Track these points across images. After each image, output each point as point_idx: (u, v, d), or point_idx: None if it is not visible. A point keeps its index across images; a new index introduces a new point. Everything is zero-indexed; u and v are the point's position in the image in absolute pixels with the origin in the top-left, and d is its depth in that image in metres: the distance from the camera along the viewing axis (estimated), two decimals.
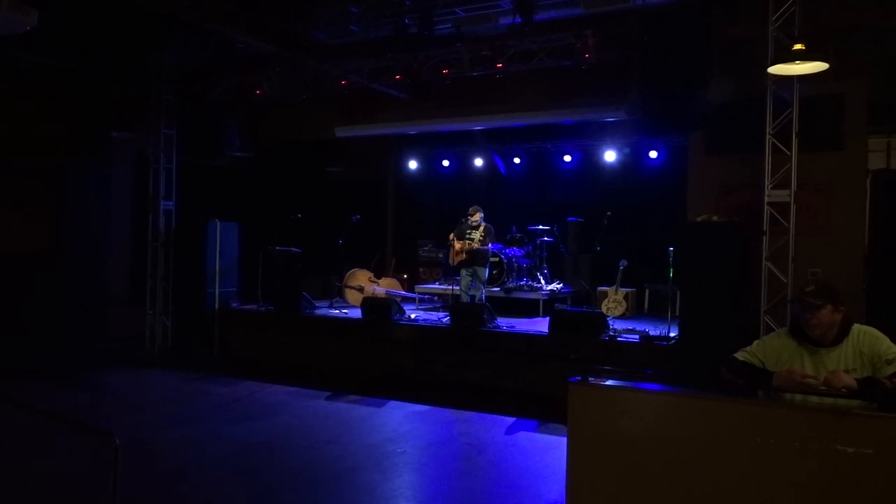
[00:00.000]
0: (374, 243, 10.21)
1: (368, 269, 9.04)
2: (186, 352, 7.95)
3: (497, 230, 7.98)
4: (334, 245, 8.39)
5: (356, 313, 7.63)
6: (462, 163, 10.56)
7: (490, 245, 7.56)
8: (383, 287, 8.93)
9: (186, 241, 8.19)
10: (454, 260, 7.71)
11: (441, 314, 7.60)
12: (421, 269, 9.96)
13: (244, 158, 9.00)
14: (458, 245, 7.63)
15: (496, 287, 8.50)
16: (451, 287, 7.84)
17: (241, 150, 8.85)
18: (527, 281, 8.66)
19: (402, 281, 9.57)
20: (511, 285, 8.47)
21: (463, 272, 7.68)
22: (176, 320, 8.27)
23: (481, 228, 7.63)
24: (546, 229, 9.06)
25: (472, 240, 7.54)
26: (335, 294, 8.94)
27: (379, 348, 6.95)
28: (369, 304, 7.36)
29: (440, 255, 9.75)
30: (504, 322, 6.98)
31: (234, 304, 8.17)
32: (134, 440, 4.81)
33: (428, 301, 9.07)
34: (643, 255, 8.18)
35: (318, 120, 8.75)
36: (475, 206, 7.71)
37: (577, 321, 6.21)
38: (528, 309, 8.10)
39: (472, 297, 7.68)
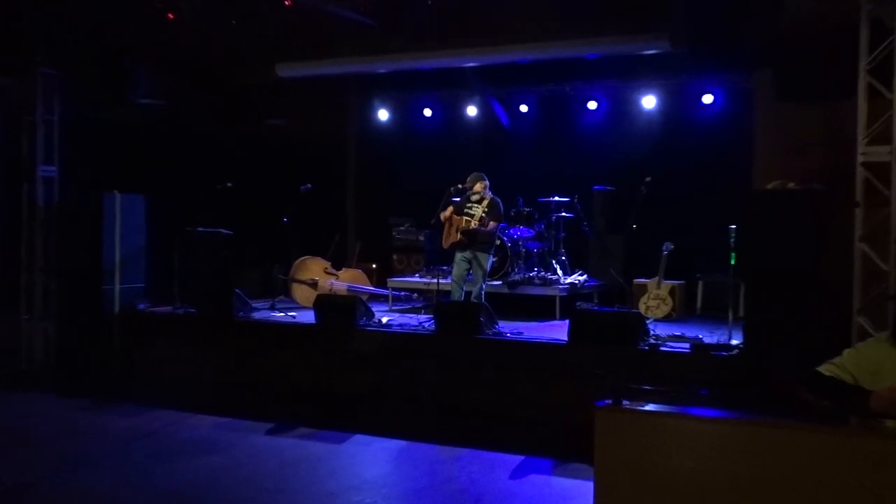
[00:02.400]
0: (332, 223, 10.29)
1: (324, 257, 9.15)
2: (76, 369, 7.87)
3: (502, 204, 8.08)
4: (278, 225, 8.46)
5: (308, 316, 7.68)
6: (450, 113, 10.60)
7: (497, 224, 7.72)
8: (344, 281, 9.05)
9: (75, 220, 8.09)
10: (446, 241, 7.85)
11: (423, 317, 7.70)
12: (395, 257, 10.04)
13: (153, 108, 8.96)
14: (453, 220, 7.74)
15: (497, 280, 8.61)
16: (436, 281, 7.91)
17: (148, 96, 8.82)
18: (538, 271, 8.78)
19: (369, 273, 9.73)
20: (517, 277, 8.58)
21: (458, 258, 7.80)
22: (62, 327, 8.17)
23: (486, 202, 7.74)
24: (564, 202, 9.13)
25: (473, 216, 7.67)
26: (279, 291, 9.07)
27: (339, 363, 7.00)
28: (325, 304, 7.43)
29: (420, 238, 9.92)
30: (508, 327, 7.05)
31: (142, 306, 8.19)
32: (6, 491, 4.76)
33: (405, 300, 9.19)
34: (694, 236, 8.29)
35: (254, 55, 8.77)
36: (477, 174, 7.83)
37: (606, 325, 6.26)
38: (541, 309, 8.22)
39: (467, 293, 7.81)
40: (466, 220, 7.67)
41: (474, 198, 7.78)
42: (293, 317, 7.88)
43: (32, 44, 8.08)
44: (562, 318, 7.74)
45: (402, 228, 10.15)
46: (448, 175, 8.12)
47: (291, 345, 7.28)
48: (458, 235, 7.67)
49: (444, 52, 8.32)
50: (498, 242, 8.55)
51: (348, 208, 11.03)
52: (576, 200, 9.19)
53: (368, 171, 11.13)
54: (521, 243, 8.92)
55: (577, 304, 7.95)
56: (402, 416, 6.54)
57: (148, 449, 5.90)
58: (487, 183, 7.84)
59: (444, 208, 7.74)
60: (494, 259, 8.48)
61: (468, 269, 7.79)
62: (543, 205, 9.20)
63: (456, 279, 7.84)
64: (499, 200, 7.82)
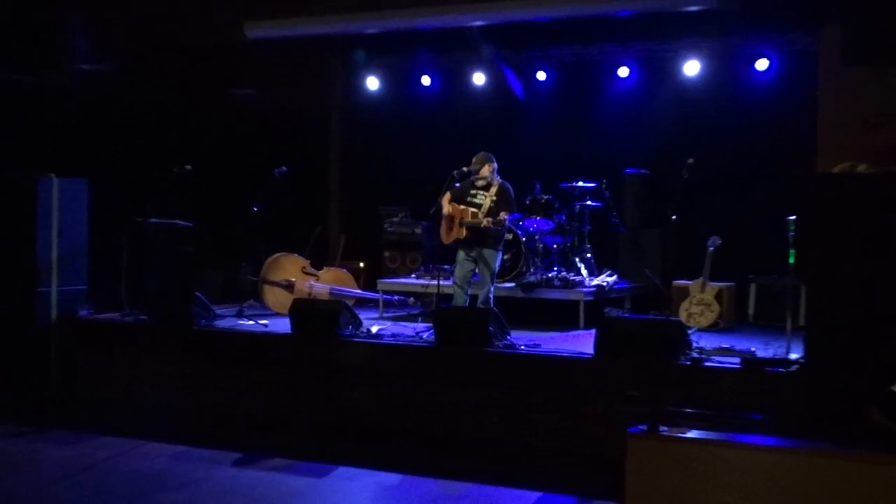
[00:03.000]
0: (311, 213, 10.33)
1: (301, 254, 9.23)
2: (2, 388, 7.81)
3: (515, 191, 8.13)
4: (247, 216, 8.51)
5: (282, 325, 7.75)
6: (453, 83, 10.65)
7: (508, 215, 7.76)
8: (326, 283, 9.14)
9: (1, 210, 8.06)
10: (448, 237, 7.88)
11: (420, 326, 7.73)
12: (387, 255, 10.13)
13: (96, 74, 8.97)
14: (455, 211, 7.79)
15: (509, 282, 8.68)
16: (435, 283, 7.97)
17: (91, 60, 8.84)
18: (559, 271, 8.83)
19: (356, 273, 9.80)
20: (533, 278, 8.61)
21: (461, 256, 7.86)
22: None
23: (494, 188, 7.81)
24: (589, 188, 9.24)
25: (480, 207, 7.75)
26: (248, 295, 9.13)
27: (319, 382, 7.04)
28: (303, 310, 7.48)
29: (417, 232, 10.03)
30: (523, 338, 7.11)
31: (84, 312, 8.17)
32: None
33: (399, 305, 9.24)
34: (746, 230, 8.40)
35: (219, 11, 8.80)
36: (483, 155, 7.88)
37: (639, 336, 6.28)
38: (562, 316, 8.31)
39: (473, 297, 7.90)
40: (472, 210, 7.73)
41: (480, 183, 7.84)
42: (265, 325, 7.94)
43: None
44: (587, 328, 7.81)
45: (394, 220, 10.15)
46: (450, 156, 8.17)
47: (263, 359, 7.31)
48: (462, 230, 7.73)
49: (446, 9, 8.37)
50: (510, 237, 8.57)
51: (331, 196, 11.06)
52: (604, 186, 9.21)
53: (355, 151, 11.15)
54: (537, 238, 8.95)
55: (606, 310, 8.00)
56: (394, 444, 6.58)
57: (87, 485, 5.75)
58: (496, 166, 7.88)
59: (455, 197, 7.83)
60: (506, 257, 8.49)
61: (474, 269, 7.82)
62: (565, 192, 9.24)
63: (459, 281, 7.87)
64: (509, 186, 7.86)
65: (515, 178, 8.29)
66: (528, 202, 9.08)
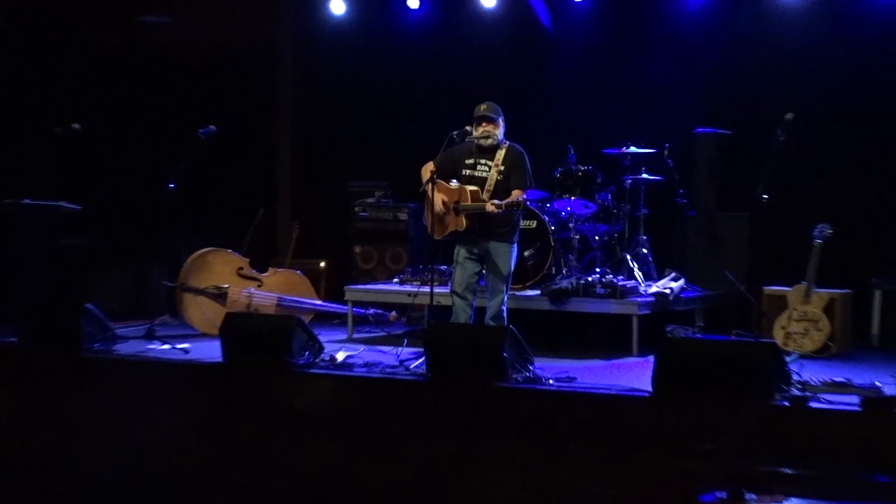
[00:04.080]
0: (252, 192, 10.65)
1: (238, 250, 9.41)
2: None
3: (535, 159, 8.10)
4: (159, 194, 8.54)
5: (209, 349, 7.90)
6: (453, 6, 10.79)
7: (524, 194, 7.82)
8: (271, 291, 9.30)
9: None
10: (438, 229, 7.96)
11: (406, 351, 7.79)
12: (358, 250, 10.23)
13: None
14: (447, 194, 7.88)
15: (532, 288, 8.86)
16: (427, 290, 8.02)
17: None
18: (602, 273, 8.89)
19: (315, 276, 10.01)
20: (566, 284, 8.65)
21: (461, 255, 7.94)
22: None
23: (502, 154, 7.90)
24: (646, 155, 9.37)
25: (484, 183, 7.82)
26: (162, 307, 9.38)
27: (261, 430, 7.02)
28: (239, 329, 7.58)
29: (402, 217, 10.19)
30: (551, 368, 7.22)
31: None
32: None
33: (375, 322, 9.43)
34: (866, 216, 8.69)
35: None
36: (489, 106, 7.94)
37: (717, 366, 6.27)
38: (606, 337, 8.53)
39: (480, 311, 7.98)
40: (471, 189, 7.78)
41: (484, 145, 7.87)
42: (184, 351, 8.02)
43: None
44: (642, 354, 7.93)
45: (370, 202, 10.20)
46: (448, 113, 8.46)
47: (181, 398, 7.32)
48: (460, 218, 7.77)
49: None
50: (531, 224, 8.75)
51: (280, 168, 11.22)
52: (666, 153, 9.26)
53: (314, 105, 11.30)
54: (572, 226, 8.97)
55: (669, 328, 8.09)
56: None
57: None
58: (502, 124, 7.92)
59: (443, 168, 7.93)
60: (526, 253, 8.62)
61: (479, 272, 7.89)
62: (611, 160, 9.31)
63: (460, 288, 7.91)
64: (522, 151, 7.95)
65: (540, 141, 8.47)
66: (558, 175, 9.11)
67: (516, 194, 7.64)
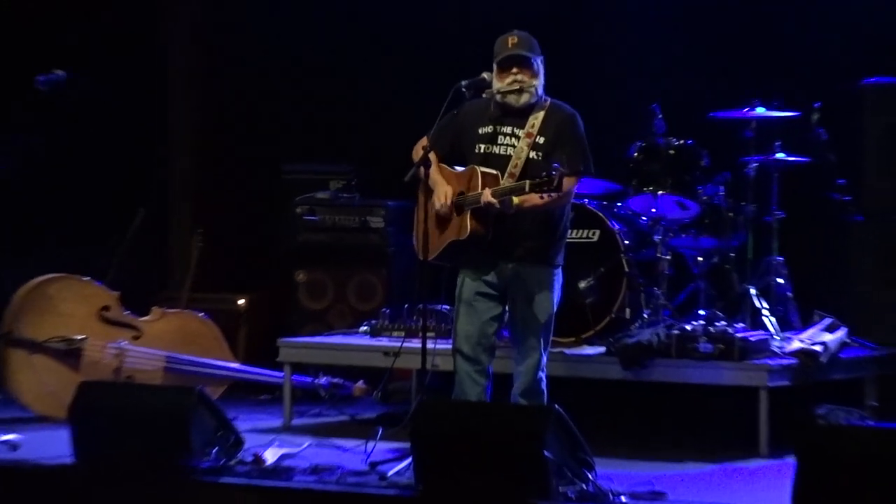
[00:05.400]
0: (127, 181, 11.38)
1: (103, 279, 9.72)
2: None
3: (597, 129, 8.09)
4: None
5: (51, 442, 7.93)
6: None
7: (574, 183, 7.80)
8: (156, 346, 9.50)
9: None
10: (434, 241, 7.89)
11: (382, 450, 7.90)
12: (302, 279, 10.61)
13: None
14: (452, 181, 7.91)
15: (592, 344, 9.02)
16: (413, 344, 8.03)
17: None
18: (708, 319, 8.99)
19: (230, 320, 10.52)
20: (647, 336, 8.67)
21: (467, 286, 7.91)
22: None
23: (539, 117, 7.86)
24: (780, 119, 9.46)
25: (507, 163, 7.75)
26: None
27: None
28: (102, 409, 7.62)
29: (375, 225, 10.63)
30: (622, 476, 7.26)
31: None
32: None
33: (329, 398, 9.69)
34: None
35: None
36: (519, 40, 7.89)
37: None
38: (715, 423, 9.01)
39: (501, 380, 7.91)
40: (489, 172, 7.63)
41: (514, 100, 7.66)
42: (11, 447, 7.95)
43: None
44: (775, 453, 7.96)
45: (322, 197, 10.56)
46: (452, 55, 9.30)
47: None
48: (465, 218, 7.61)
49: None
50: (592, 237, 9.04)
51: (175, 144, 11.83)
52: (815, 118, 9.22)
53: (223, 40, 12.08)
54: (658, 238, 9.19)
55: (821, 410, 8.08)
56: None
57: None
58: (543, 74, 7.78)
59: (443, 142, 7.89)
60: (589, 286, 8.86)
61: (500, 317, 7.79)
62: (723, 130, 9.47)
63: (467, 344, 7.75)
64: (574, 114, 7.86)
65: (604, 101, 9.19)
66: (635, 155, 9.23)
67: (566, 185, 7.31)
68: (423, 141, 7.85)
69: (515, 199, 7.37)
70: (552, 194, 7.26)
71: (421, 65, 9.60)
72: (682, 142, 9.27)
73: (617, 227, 9.05)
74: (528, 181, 7.30)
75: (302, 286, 10.46)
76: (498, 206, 7.44)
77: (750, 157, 9.36)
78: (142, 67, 11.81)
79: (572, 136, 7.71)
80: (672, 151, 9.22)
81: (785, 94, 9.38)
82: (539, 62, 7.75)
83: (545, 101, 7.80)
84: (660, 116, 9.27)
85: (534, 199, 7.36)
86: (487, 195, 7.40)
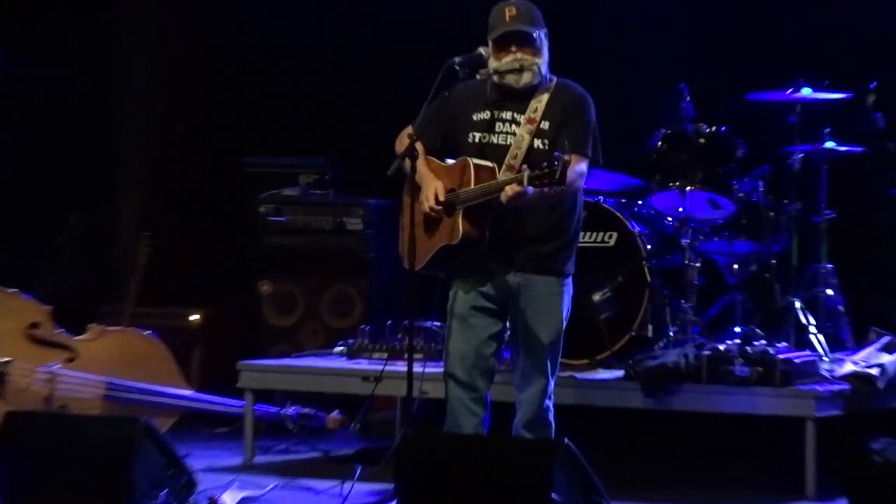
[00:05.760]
0: (63, 175, 11.42)
1: (33, 291, 9.76)
2: None
3: (611, 115, 8.12)
4: None
5: None
6: None
7: (577, 173, 7.51)
8: (94, 370, 9.40)
9: None
10: (421, 247, 7.78)
11: (362, 492, 8.12)
12: (267, 290, 10.62)
13: None
14: (444, 176, 7.80)
15: (609, 367, 9.00)
16: (398, 367, 8.15)
17: None
18: (745, 337, 8.97)
19: (183, 339, 10.50)
20: (674, 357, 8.62)
21: (460, 300, 7.76)
22: None
23: (544, 100, 7.75)
24: (830, 101, 9.48)
25: (506, 153, 7.63)
26: None
27: None
28: (29, 442, 7.63)
29: (352, 227, 10.66)
30: None
31: None
32: None
33: (298, 431, 9.65)
34: None
35: None
36: (519, 12, 7.75)
37: None
38: (754, 458, 9.11)
39: (501, 409, 7.85)
40: (484, 165, 7.46)
41: (514, 81, 7.49)
42: None
43: None
44: (824, 496, 7.95)
45: (290, 194, 10.56)
46: (431, 34, 9.64)
47: None
48: (457, 218, 7.43)
49: None
50: (608, 241, 9.05)
51: (119, 130, 11.92)
52: (871, 101, 9.16)
53: (177, 26, 12.13)
54: (686, 242, 9.10)
55: (878, 445, 7.48)
56: None
57: None
58: (547, 50, 7.64)
59: (433, 131, 7.73)
60: (605, 298, 8.84)
61: (499, 335, 7.63)
62: (762, 114, 9.49)
63: (461, 367, 7.57)
64: (584, 95, 7.71)
65: (621, 80, 9.42)
66: (658, 145, 9.13)
67: (572, 177, 7.16)
68: (409, 129, 7.63)
69: (517, 189, 7.02)
70: (553, 188, 6.98)
71: (405, 41, 9.65)
72: (714, 129, 9.18)
73: (638, 228, 8.98)
74: (526, 173, 7.01)
75: (267, 299, 10.41)
76: (522, 194, 7.09)
77: (794, 147, 9.26)
78: (88, 45, 11.79)
79: (581, 122, 7.51)
80: (702, 140, 9.13)
81: (834, 72, 9.35)
82: (542, 35, 7.52)
83: (550, 80, 7.59)
84: (688, 99, 9.17)
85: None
86: (516, 188, 7.02)
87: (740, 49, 10.20)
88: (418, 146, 7.54)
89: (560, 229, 7.51)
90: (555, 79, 7.62)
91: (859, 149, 9.33)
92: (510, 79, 7.46)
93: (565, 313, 7.52)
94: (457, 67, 7.45)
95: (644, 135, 9.26)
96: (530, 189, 7.00)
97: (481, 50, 7.51)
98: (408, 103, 7.85)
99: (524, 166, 7.19)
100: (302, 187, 10.60)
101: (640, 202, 9.24)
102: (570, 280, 7.60)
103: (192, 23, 12.09)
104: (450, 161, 7.67)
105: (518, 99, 7.53)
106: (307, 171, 10.70)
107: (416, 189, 7.65)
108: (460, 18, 8.99)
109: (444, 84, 7.41)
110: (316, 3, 11.60)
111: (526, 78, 7.46)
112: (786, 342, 8.78)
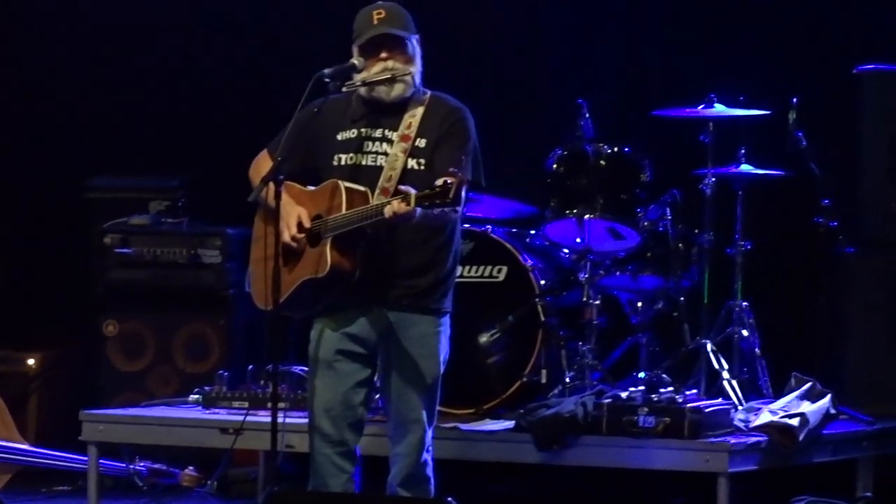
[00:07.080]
0: None
1: None
2: None
3: (498, 132, 8.69)
4: None
5: None
6: None
7: (460, 198, 7.09)
8: None
9: None
10: (284, 280, 7.53)
11: None
12: (112, 330, 10.46)
13: None
14: (307, 203, 7.70)
15: (499, 418, 8.93)
16: (261, 418, 8.13)
17: None
18: (650, 383, 8.98)
19: (16, 385, 10.43)
20: (571, 407, 8.54)
21: (327, 341, 7.63)
22: None
23: (418, 114, 7.68)
24: (747, 118, 9.51)
25: (379, 175, 7.54)
26: None
27: None
28: None
29: (210, 260, 10.57)
30: None
31: None
32: None
33: (149, 489, 9.57)
34: None
35: None
36: (388, 13, 7.73)
37: None
38: None
39: (372, 464, 8.01)
40: (355, 189, 7.34)
41: (385, 94, 7.45)
42: None
43: None
44: None
45: (138, 222, 10.32)
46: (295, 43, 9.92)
47: None
48: (324, 249, 7.30)
49: None
50: (497, 275, 8.96)
51: None
52: (792, 118, 9.20)
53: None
54: (584, 276, 9.08)
55: (798, 501, 8.42)
56: None
57: None
58: (420, 57, 7.55)
59: (296, 154, 7.58)
60: (493, 339, 8.80)
61: (369, 381, 7.47)
62: (671, 133, 9.48)
63: (327, 419, 7.44)
64: (462, 109, 7.59)
65: (509, 95, 9.70)
66: (554, 168, 9.12)
67: (450, 179, 6.78)
68: (264, 152, 7.53)
69: (397, 209, 6.82)
70: (445, 209, 6.87)
71: (268, 52, 9.78)
72: (616, 149, 9.14)
73: (530, 262, 8.90)
74: (413, 193, 6.73)
75: (113, 341, 10.19)
76: (395, 214, 6.90)
77: (706, 170, 9.19)
78: None
79: (459, 139, 7.31)
80: (603, 162, 9.08)
81: (751, 87, 9.35)
82: (415, 42, 7.41)
83: (424, 94, 7.49)
84: (587, 116, 9.07)
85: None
86: (397, 206, 6.78)
87: (646, 60, 10.27)
88: (280, 173, 7.25)
89: (436, 261, 7.37)
90: (429, 92, 7.56)
91: (779, 172, 9.30)
92: (380, 91, 7.38)
93: (443, 356, 7.34)
94: (326, 80, 7.27)
95: (538, 156, 9.12)
96: (419, 210, 6.80)
97: (354, 60, 7.37)
98: (273, 120, 7.71)
99: (405, 188, 6.96)
100: (152, 215, 10.41)
101: (533, 232, 9.18)
102: (447, 318, 7.44)
103: (24, 29, 12.05)
104: (311, 187, 7.54)
105: (389, 114, 7.45)
106: (158, 195, 10.52)
107: (273, 217, 7.33)
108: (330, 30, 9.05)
109: (310, 97, 7.31)
110: (168, 8, 11.49)
111: (398, 90, 7.37)
112: (696, 389, 8.77)
